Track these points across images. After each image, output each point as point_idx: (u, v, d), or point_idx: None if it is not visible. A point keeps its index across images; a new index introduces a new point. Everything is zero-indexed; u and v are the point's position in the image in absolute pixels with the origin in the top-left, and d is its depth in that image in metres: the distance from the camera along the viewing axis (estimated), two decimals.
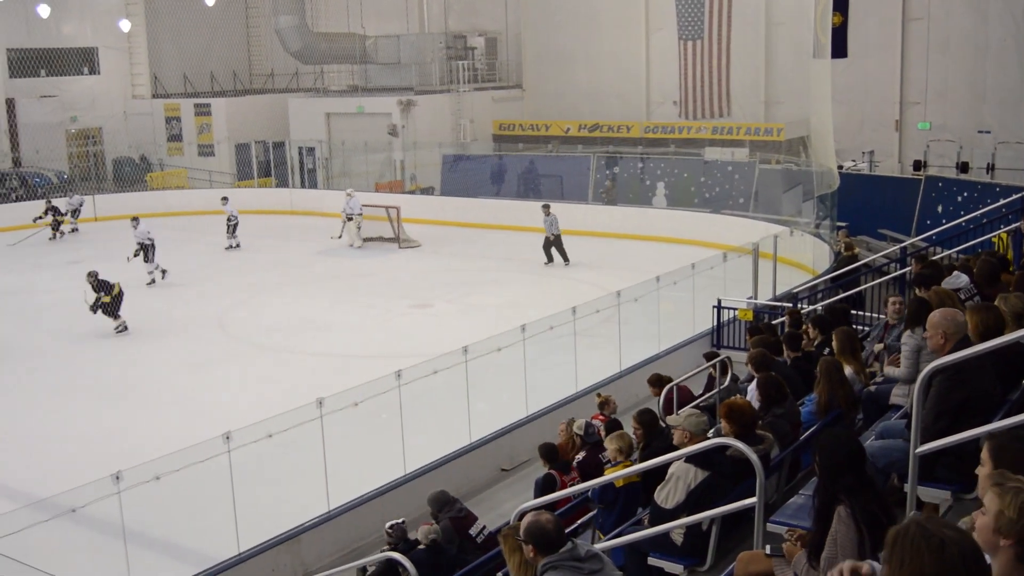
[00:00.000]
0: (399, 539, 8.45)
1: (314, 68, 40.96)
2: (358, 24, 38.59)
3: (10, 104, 39.51)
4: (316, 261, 26.16)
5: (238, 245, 27.73)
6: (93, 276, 19.43)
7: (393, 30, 38.63)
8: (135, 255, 23.17)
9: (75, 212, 30.81)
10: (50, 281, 23.54)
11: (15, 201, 35.18)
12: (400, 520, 8.61)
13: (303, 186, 36.78)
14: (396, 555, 7.88)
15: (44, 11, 36.90)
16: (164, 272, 23.61)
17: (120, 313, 19.38)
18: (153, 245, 23.46)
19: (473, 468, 11.91)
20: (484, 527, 8.72)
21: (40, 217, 29.41)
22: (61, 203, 30.63)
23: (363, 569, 8.83)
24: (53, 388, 16.29)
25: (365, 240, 27.20)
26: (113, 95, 42.30)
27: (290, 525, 10.25)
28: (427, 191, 33.58)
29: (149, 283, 23.31)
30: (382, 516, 9.53)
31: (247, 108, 40.47)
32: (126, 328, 19.33)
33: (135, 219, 23.92)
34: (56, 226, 29.73)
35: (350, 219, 27.36)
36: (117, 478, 9.06)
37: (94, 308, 19.17)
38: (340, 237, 27.56)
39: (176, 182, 38.09)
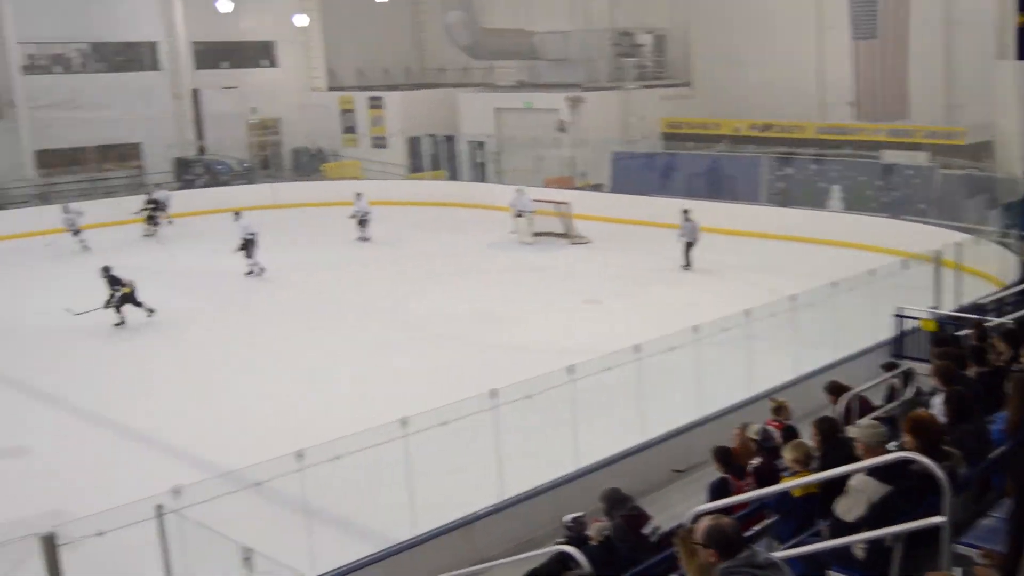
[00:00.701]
0: (579, 533, 8.48)
1: (483, 63, 41.41)
2: (525, 20, 38.86)
3: (196, 95, 41.17)
4: (487, 254, 26.53)
5: (367, 238, 28.29)
6: (106, 271, 20.20)
7: (560, 26, 38.71)
8: (239, 249, 24.01)
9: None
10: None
11: (202, 187, 36.89)
12: (580, 514, 8.64)
13: (473, 180, 37.32)
14: (570, 549, 7.88)
15: (225, 6, 38.47)
16: (263, 270, 24.25)
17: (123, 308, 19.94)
18: (254, 241, 24.19)
19: (645, 467, 11.87)
20: (658, 527, 8.67)
21: (146, 210, 30.60)
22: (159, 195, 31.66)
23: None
24: (241, 366, 17.09)
25: (536, 235, 27.40)
26: (291, 87, 43.66)
27: (463, 512, 10.42)
28: (596, 188, 33.59)
29: (247, 273, 24.12)
30: (555, 509, 9.59)
31: (419, 102, 41.22)
32: (124, 323, 20.04)
33: (237, 213, 24.80)
34: (153, 220, 30.80)
35: (520, 215, 27.62)
36: (300, 456, 9.38)
37: (119, 301, 19.91)
38: (514, 233, 27.83)
39: (350, 173, 39.06)
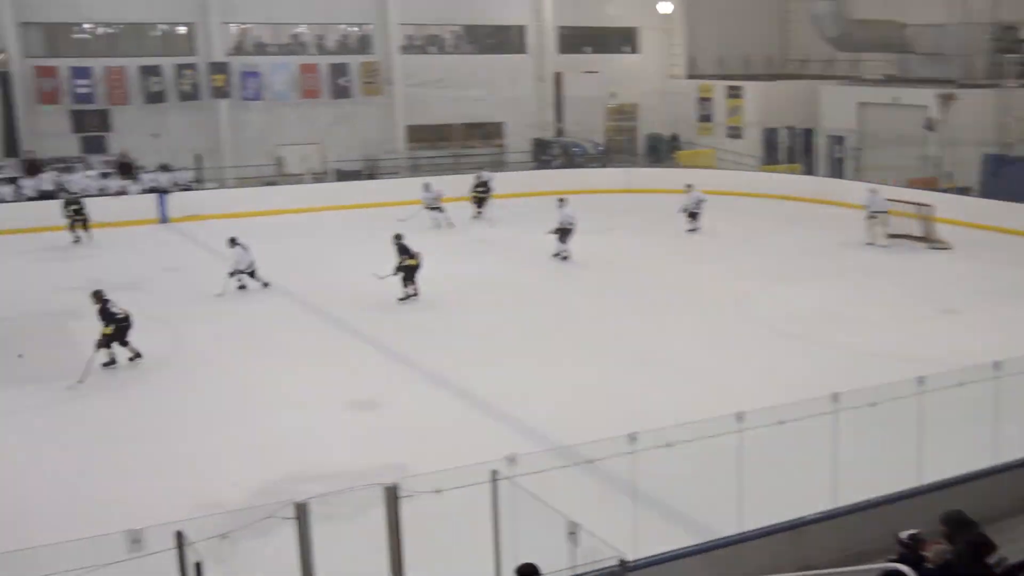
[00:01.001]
0: (914, 552, 8.03)
1: (849, 56, 39.86)
2: (897, 11, 36.99)
3: (558, 78, 42.27)
4: (838, 254, 25.59)
5: (695, 229, 27.82)
6: (398, 239, 20.70)
7: (935, 19, 36.54)
8: (553, 232, 24.03)
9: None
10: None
11: (558, 168, 37.94)
12: (917, 531, 8.17)
13: (830, 175, 36.08)
14: (903, 568, 7.49)
15: None
16: (565, 258, 24.14)
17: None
18: (572, 230, 24.12)
19: (994, 493, 11.03)
20: (1004, 558, 8.05)
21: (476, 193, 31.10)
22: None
23: None
24: (574, 342, 17.45)
25: (891, 237, 26.13)
26: (650, 74, 43.96)
27: (792, 515, 10.11)
28: (963, 191, 31.57)
29: (554, 255, 24.18)
30: (889, 525, 9.10)
31: (778, 93, 40.31)
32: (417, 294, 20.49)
33: (561, 200, 24.96)
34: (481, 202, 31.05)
35: (873, 216, 26.44)
36: (633, 438, 9.42)
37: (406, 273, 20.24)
38: (869, 234, 26.65)
39: (704, 162, 38.82)
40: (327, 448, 12.84)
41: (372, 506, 9.58)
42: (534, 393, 14.86)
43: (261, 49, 39.39)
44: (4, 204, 30.37)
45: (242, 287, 21.43)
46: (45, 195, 31.27)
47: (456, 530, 9.92)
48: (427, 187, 29.80)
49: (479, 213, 30.96)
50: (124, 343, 16.57)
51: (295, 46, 39.98)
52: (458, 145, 40.76)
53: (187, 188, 33.11)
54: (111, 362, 16.51)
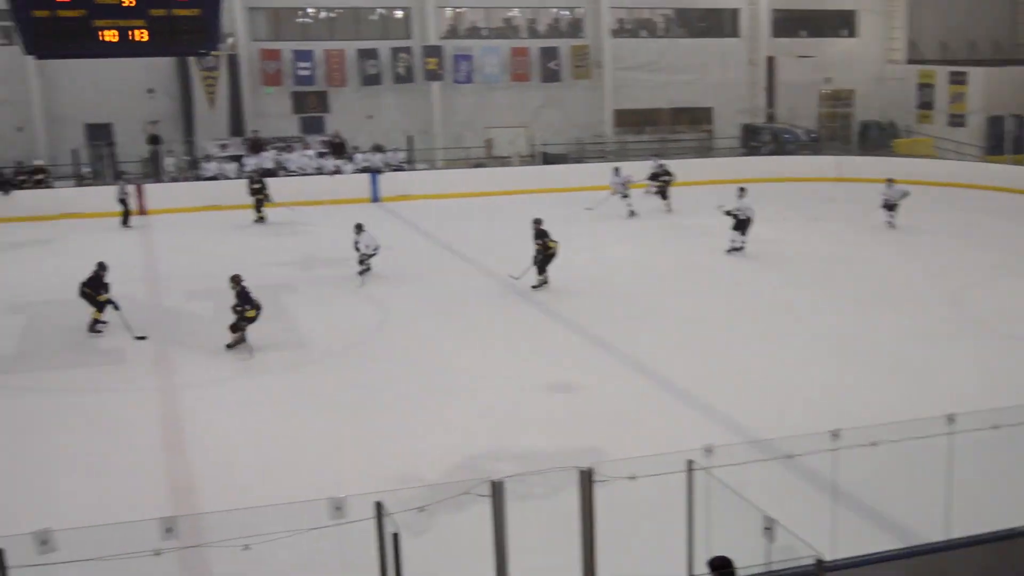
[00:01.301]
0: None
1: None
2: None
3: (771, 62, 41.35)
4: None
5: (894, 224, 26.46)
6: (537, 224, 20.27)
7: None
8: (729, 212, 23.26)
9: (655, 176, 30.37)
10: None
11: (767, 155, 37.14)
12: None
13: None
14: None
15: None
16: (739, 249, 23.28)
17: None
18: (749, 221, 23.22)
19: None
20: None
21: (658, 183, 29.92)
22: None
23: None
24: (757, 335, 17.15)
25: None
26: (868, 59, 42.47)
27: (1006, 524, 9.61)
28: None
29: (728, 251, 23.32)
30: None
31: (1006, 79, 38.25)
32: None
33: (742, 189, 23.85)
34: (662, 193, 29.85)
35: None
36: (835, 435, 9.13)
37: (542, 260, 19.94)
38: None
39: (922, 150, 37.26)
40: (524, 428, 12.96)
41: (566, 488, 9.63)
42: (733, 383, 14.58)
43: (474, 33, 40.02)
44: (228, 181, 31.87)
45: (367, 270, 21.47)
46: (266, 173, 32.71)
47: (649, 518, 9.85)
48: (616, 172, 29.49)
49: (666, 205, 29.81)
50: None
51: (507, 30, 40.43)
52: (666, 130, 40.42)
53: (398, 168, 34.00)
54: (241, 340, 16.82)
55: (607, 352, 16.25)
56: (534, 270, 20.12)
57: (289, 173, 33.01)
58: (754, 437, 11.63)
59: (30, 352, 16.67)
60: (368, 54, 37.71)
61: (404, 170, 34.11)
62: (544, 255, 20.11)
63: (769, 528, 7.67)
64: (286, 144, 35.01)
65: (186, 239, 26.41)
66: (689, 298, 19.74)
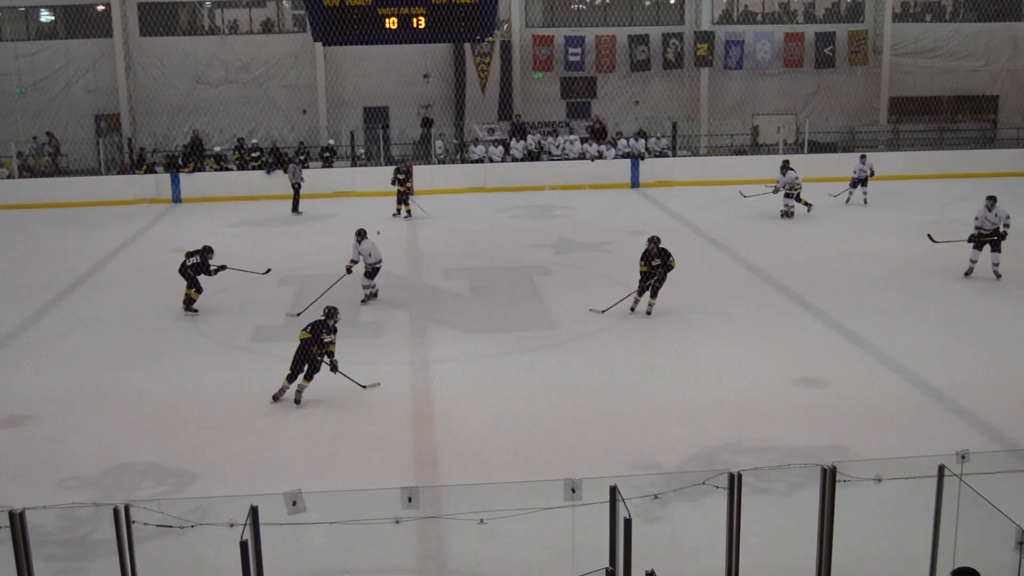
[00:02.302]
0: None
1: None
2: None
3: None
4: None
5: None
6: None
7: None
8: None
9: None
10: None
11: None
12: None
13: None
14: None
15: None
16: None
17: None
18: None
19: None
20: None
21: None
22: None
23: None
24: None
25: None
26: None
27: None
28: None
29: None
30: None
31: None
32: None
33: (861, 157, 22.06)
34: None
35: None
36: None
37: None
38: None
39: None
40: (767, 421, 12.62)
41: (807, 486, 9.34)
42: (993, 387, 13.68)
43: (749, 18, 39.25)
44: (492, 164, 32.63)
45: (372, 295, 18.94)
46: (530, 156, 33.32)
47: (892, 522, 9.41)
48: (862, 159, 28.10)
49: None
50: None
51: (783, 14, 39.41)
52: (945, 119, 38.34)
53: (661, 155, 33.80)
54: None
55: (862, 348, 15.58)
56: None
57: (552, 157, 33.45)
58: (1014, 445, 10.88)
59: (295, 323, 17.61)
60: (639, 40, 37.69)
61: (666, 156, 33.85)
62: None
63: (1022, 542, 7.20)
64: (551, 128, 35.50)
65: (449, 220, 27.20)
66: (943, 297, 18.62)
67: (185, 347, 16.27)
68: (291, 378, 13.49)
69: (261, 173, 31.13)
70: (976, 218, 19.53)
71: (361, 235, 18.53)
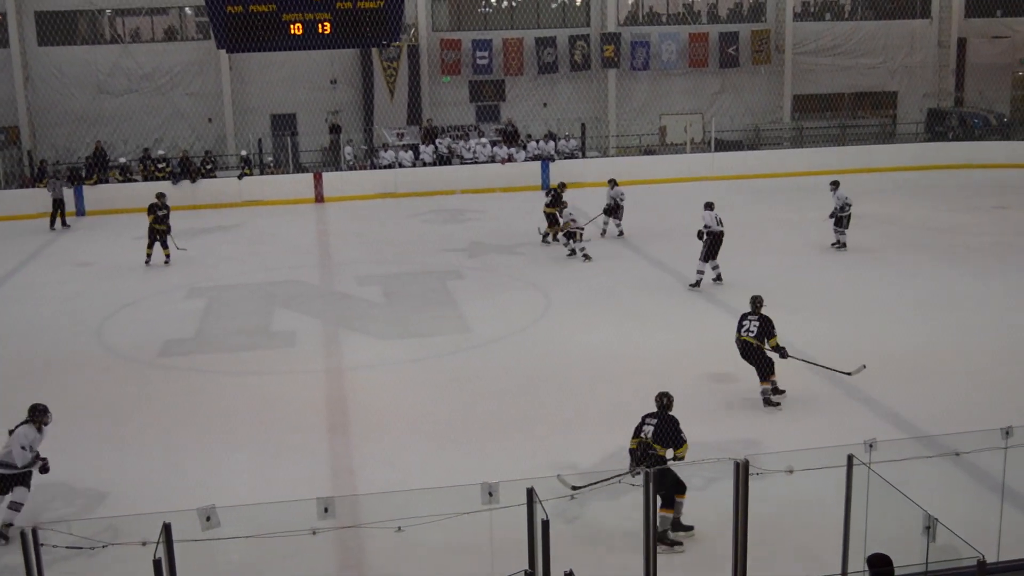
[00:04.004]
0: None
1: None
2: None
3: (962, 44, 39.63)
4: None
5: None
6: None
7: None
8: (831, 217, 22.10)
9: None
10: None
11: (952, 140, 35.58)
12: None
13: None
14: None
15: None
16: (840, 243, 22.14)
17: None
18: (846, 218, 21.94)
19: None
20: None
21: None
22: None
23: None
24: (966, 337, 16.32)
25: None
26: None
27: None
28: None
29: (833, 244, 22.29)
30: None
31: None
32: None
33: (835, 183, 22.39)
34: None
35: None
36: (1007, 432, 8.68)
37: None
38: None
39: None
40: (682, 419, 12.76)
41: (722, 480, 9.45)
42: (899, 377, 13.99)
43: (654, 19, 39.69)
44: (403, 169, 32.51)
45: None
46: (440, 160, 33.27)
47: (805, 512, 9.59)
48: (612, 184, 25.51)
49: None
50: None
51: (687, 15, 39.93)
52: (846, 115, 39.20)
53: (571, 156, 33.99)
54: None
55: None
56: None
57: (463, 161, 33.46)
58: (920, 433, 11.14)
59: (207, 334, 17.38)
60: (546, 42, 37.88)
61: (576, 157, 34.06)
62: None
63: (929, 527, 7.37)
64: (461, 132, 35.50)
65: (359, 226, 27.07)
66: (855, 290, 19.03)
67: (92, 363, 15.94)
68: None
69: (167, 183, 30.62)
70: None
71: None
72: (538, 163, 32.70)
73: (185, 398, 13.85)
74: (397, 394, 14.12)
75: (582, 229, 21.95)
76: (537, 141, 34.06)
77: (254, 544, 7.66)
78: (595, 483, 10.71)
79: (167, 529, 6.77)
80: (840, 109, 39.44)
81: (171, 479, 11.36)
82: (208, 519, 6.89)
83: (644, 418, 10.36)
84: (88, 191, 30.14)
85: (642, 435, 10.19)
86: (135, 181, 31.41)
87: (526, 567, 7.22)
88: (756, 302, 13.52)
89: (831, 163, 30.29)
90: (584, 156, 34.62)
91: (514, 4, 38.84)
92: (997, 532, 8.49)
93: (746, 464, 7.75)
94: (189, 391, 14.22)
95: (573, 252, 21.77)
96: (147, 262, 22.41)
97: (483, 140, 34.26)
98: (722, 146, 35.64)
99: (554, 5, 39.18)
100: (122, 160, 32.33)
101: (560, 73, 38.24)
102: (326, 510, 7.08)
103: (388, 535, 7.48)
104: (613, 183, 24.46)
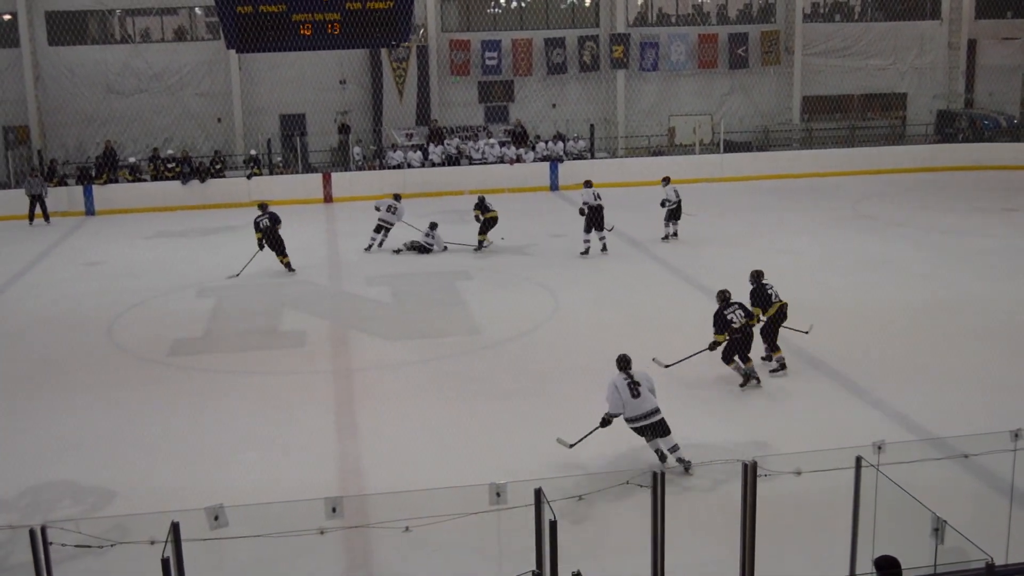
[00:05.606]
0: None
1: None
2: None
3: (972, 45, 39.54)
4: None
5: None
6: None
7: None
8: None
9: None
10: None
11: (962, 142, 35.44)
12: None
13: None
14: None
15: None
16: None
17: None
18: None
19: None
20: None
21: None
22: None
23: None
24: (974, 338, 16.26)
25: None
26: None
27: None
28: None
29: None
30: None
31: None
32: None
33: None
34: None
35: None
36: (1017, 435, 8.67)
37: None
38: None
39: None
40: (689, 420, 12.75)
41: (730, 481, 9.44)
42: (910, 379, 13.98)
43: (663, 19, 39.67)
44: (411, 169, 32.52)
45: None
46: (449, 161, 33.29)
47: (813, 514, 9.57)
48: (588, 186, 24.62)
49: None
50: None
51: (696, 16, 39.90)
52: (856, 117, 39.15)
53: (579, 157, 33.99)
54: None
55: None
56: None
57: (471, 162, 33.47)
58: (929, 435, 11.13)
59: (216, 334, 17.41)
60: (555, 43, 37.87)
61: (585, 158, 34.05)
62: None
63: (938, 529, 7.36)
64: (470, 133, 35.52)
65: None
66: (863, 292, 18.99)
67: (102, 362, 15.97)
68: None
69: (176, 183, 30.67)
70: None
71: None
72: (547, 164, 32.70)
73: (194, 397, 13.88)
74: (406, 394, 14.11)
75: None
76: (546, 142, 34.06)
77: (262, 543, 7.67)
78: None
79: (175, 528, 6.78)
80: (850, 110, 39.37)
81: (179, 478, 11.38)
82: (216, 518, 6.91)
83: (721, 312, 13.64)
84: (98, 191, 30.22)
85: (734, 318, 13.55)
86: (144, 181, 31.50)
87: (534, 567, 7.21)
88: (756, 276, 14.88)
89: (840, 164, 30.32)
90: (593, 157, 34.58)
91: (523, 5, 38.84)
92: (1006, 534, 8.47)
93: (754, 465, 7.75)
94: (198, 391, 14.24)
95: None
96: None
97: (492, 141, 34.26)
98: (731, 147, 35.60)
99: (563, 6, 39.19)
100: (132, 160, 32.40)
101: (569, 74, 38.23)
102: (334, 510, 7.09)
103: (396, 535, 7.48)
104: (667, 181, 24.08)
